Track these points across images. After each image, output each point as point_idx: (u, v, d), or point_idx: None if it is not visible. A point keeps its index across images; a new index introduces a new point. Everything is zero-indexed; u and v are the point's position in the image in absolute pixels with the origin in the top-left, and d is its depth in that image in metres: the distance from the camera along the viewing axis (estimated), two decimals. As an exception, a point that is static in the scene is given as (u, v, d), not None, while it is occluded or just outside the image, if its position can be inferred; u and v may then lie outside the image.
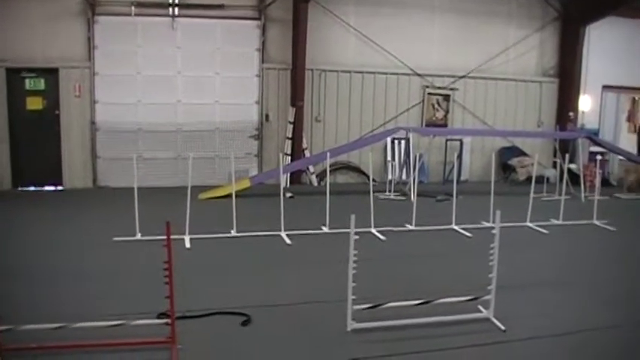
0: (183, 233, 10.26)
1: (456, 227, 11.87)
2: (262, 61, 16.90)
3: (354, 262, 6.31)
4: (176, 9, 16.04)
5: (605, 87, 20.89)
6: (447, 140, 18.32)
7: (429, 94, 18.53)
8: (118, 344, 5.78)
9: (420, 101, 18.49)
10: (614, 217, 13.44)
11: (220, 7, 16.16)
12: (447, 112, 18.81)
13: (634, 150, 21.73)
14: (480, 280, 7.01)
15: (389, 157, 17.75)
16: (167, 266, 5.54)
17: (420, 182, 15.73)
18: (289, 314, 7.06)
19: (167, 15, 16.00)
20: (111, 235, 10.33)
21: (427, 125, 18.46)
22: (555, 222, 12.97)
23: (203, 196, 13.90)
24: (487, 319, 6.92)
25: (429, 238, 11.31)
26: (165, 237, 5.58)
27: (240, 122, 16.71)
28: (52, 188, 15.72)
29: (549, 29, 19.94)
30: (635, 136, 23.79)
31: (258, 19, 16.74)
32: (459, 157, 17.71)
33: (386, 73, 17.97)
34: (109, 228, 10.85)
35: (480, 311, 7.05)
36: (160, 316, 6.18)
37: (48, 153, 15.65)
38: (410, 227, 11.79)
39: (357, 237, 6.35)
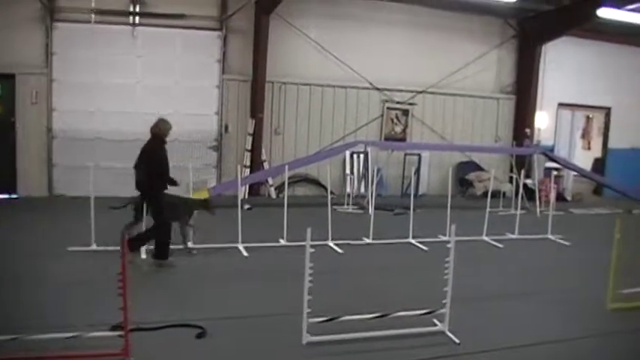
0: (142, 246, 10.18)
1: (412, 241, 11.97)
2: (223, 72, 16.89)
3: (310, 275, 6.33)
4: (137, 17, 15.97)
5: (561, 104, 21.29)
6: (405, 154, 18.45)
7: (388, 108, 18.68)
8: (70, 357, 5.72)
9: (379, 115, 18.63)
10: (568, 231, 13.70)
11: (181, 16, 16.12)
12: (405, 126, 18.97)
13: (588, 166, 22.15)
14: (436, 293, 7.07)
15: (348, 171, 17.83)
16: (121, 278, 5.51)
17: (378, 196, 15.80)
18: (244, 327, 7.05)
19: (127, 23, 15.92)
20: (65, 244, 10.20)
21: (386, 139, 18.59)
22: (511, 236, 13.17)
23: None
24: (442, 332, 6.99)
25: (386, 251, 11.38)
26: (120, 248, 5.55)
27: (199, 133, 16.64)
28: (5, 196, 15.46)
29: (507, 47, 20.28)
30: (589, 153, 24.28)
31: (220, 30, 16.73)
32: (417, 171, 17.88)
33: (346, 87, 18.08)
34: (63, 238, 10.70)
35: (435, 324, 7.12)
36: (114, 328, 6.12)
37: (2, 160, 15.41)
38: (367, 240, 11.86)
39: (312, 250, 6.37)
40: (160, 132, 9.96)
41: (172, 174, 9.93)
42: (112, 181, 15.38)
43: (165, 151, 9.94)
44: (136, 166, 9.90)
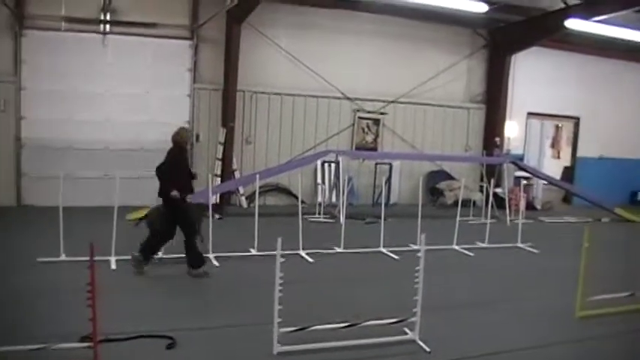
0: (110, 254, 10.10)
1: (383, 250, 12.00)
2: (194, 81, 16.83)
3: (281, 284, 6.33)
4: (107, 26, 15.86)
5: (530, 114, 21.51)
6: (376, 164, 18.51)
7: (360, 117, 18.74)
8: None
9: (350, 125, 18.68)
10: (537, 239, 13.86)
11: (152, 25, 16.05)
12: (376, 135, 19.04)
13: (558, 175, 22.38)
14: (406, 302, 7.11)
15: (319, 180, 17.83)
16: (90, 288, 5.46)
17: (349, 205, 15.84)
18: (215, 337, 7.03)
19: (98, 32, 15.80)
20: (35, 255, 10.07)
21: (357, 149, 18.63)
22: (481, 244, 13.28)
23: (131, 216, 13.69)
24: (413, 341, 7.03)
25: (357, 260, 11.40)
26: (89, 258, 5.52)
27: (170, 142, 16.46)
28: (-28, 207, 15.25)
29: (477, 57, 20.46)
30: (558, 162, 24.55)
31: (191, 39, 16.68)
32: (388, 180, 17.96)
33: (317, 97, 18.11)
34: (33, 248, 10.58)
35: (406, 333, 7.14)
36: (83, 339, 6.07)
37: (-31, 169, 15.21)
38: (338, 250, 11.87)
39: (283, 259, 6.36)
40: (180, 140, 10.23)
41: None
42: (83, 190, 15.31)
43: (187, 159, 10.37)
44: (159, 174, 9.99)
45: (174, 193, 9.52)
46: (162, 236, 9.92)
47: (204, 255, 10.10)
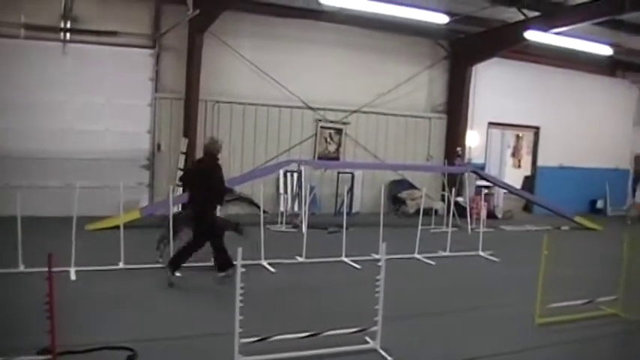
0: (69, 265, 9.98)
1: (345, 259, 12.03)
2: (155, 90, 16.68)
3: (242, 294, 6.30)
4: (68, 34, 15.67)
5: (491, 123, 21.72)
6: (338, 173, 18.53)
7: (322, 127, 18.75)
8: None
9: (312, 134, 18.69)
10: (498, 248, 14.00)
11: (114, 33, 15.90)
12: (339, 145, 19.07)
13: (518, 184, 22.63)
14: (368, 311, 7.13)
15: (281, 190, 17.80)
16: (48, 300, 5.39)
17: (312, 214, 15.85)
18: (176, 348, 6.98)
19: (58, 40, 15.59)
20: (-9, 266, 9.92)
21: (319, 158, 18.64)
22: (442, 253, 13.37)
23: (91, 226, 13.56)
24: (374, 350, 7.05)
25: (319, 270, 11.40)
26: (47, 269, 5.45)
27: (131, 151, 16.39)
28: None
29: (438, 67, 20.64)
30: (519, 171, 24.82)
31: (152, 47, 16.56)
32: (351, 189, 18.00)
33: (279, 106, 18.09)
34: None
35: (367, 342, 7.16)
36: (42, 352, 5.98)
37: None
38: (300, 259, 11.86)
39: (244, 270, 6.34)
40: (214, 151, 10.49)
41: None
42: (42, 200, 15.05)
43: (221, 168, 10.45)
44: (190, 185, 10.50)
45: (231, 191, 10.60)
46: (192, 247, 10.09)
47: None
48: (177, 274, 9.94)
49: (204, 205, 10.09)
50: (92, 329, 7.28)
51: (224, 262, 10.00)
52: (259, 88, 17.74)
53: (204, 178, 10.19)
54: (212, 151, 10.45)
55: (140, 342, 6.83)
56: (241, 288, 6.31)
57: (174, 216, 11.33)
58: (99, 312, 8.12)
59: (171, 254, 10.23)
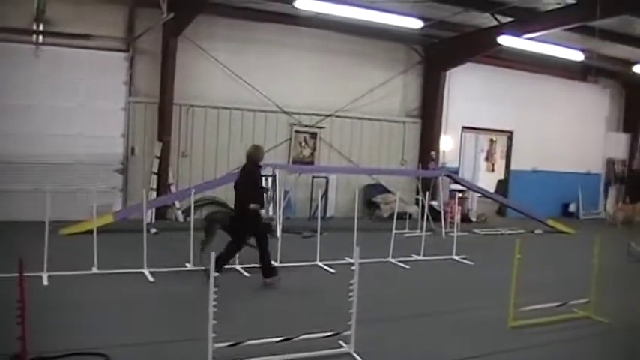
0: (42, 270, 9.88)
1: (320, 263, 12.04)
2: (129, 94, 16.57)
3: (215, 299, 6.28)
4: (40, 37, 15.51)
5: (465, 128, 21.84)
6: (313, 177, 18.52)
7: (297, 131, 18.75)
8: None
9: (287, 139, 18.69)
10: (472, 251, 14.12)
11: (87, 37, 15.79)
12: (313, 149, 19.09)
13: (492, 188, 22.79)
14: (342, 315, 7.14)
15: (256, 194, 17.74)
16: (20, 305, 5.35)
17: (286, 219, 15.83)
18: (149, 353, 6.95)
19: (31, 42, 15.42)
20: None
21: (294, 163, 18.64)
22: (417, 257, 13.44)
23: (64, 231, 13.46)
24: (348, 354, 7.06)
25: (293, 274, 11.37)
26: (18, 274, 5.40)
27: (104, 156, 16.26)
28: None
29: (413, 72, 20.73)
30: (492, 175, 25.00)
31: (126, 51, 16.46)
32: (325, 194, 18.03)
33: (254, 110, 18.06)
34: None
35: (341, 346, 7.17)
36: (13, 358, 5.92)
37: None
38: (275, 264, 11.80)
39: (217, 274, 6.33)
40: (256, 157, 10.82)
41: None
42: (14, 204, 14.89)
43: (260, 173, 10.97)
44: (238, 188, 10.75)
45: (254, 206, 10.26)
46: (233, 249, 10.52)
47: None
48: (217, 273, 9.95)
49: (246, 207, 10.33)
50: (65, 335, 7.22)
51: (269, 268, 10.48)
52: (234, 92, 17.70)
53: (246, 183, 10.61)
54: (254, 159, 10.79)
55: (113, 347, 6.78)
56: (215, 292, 6.30)
57: (209, 217, 11.94)
58: (71, 317, 8.04)
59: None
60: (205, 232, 11.21)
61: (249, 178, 10.62)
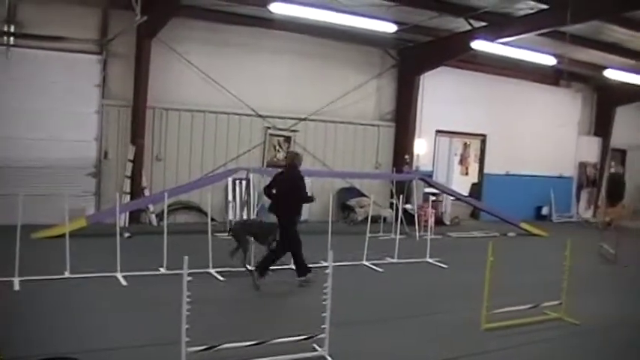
0: (13, 275, 9.77)
1: (293, 267, 12.00)
2: (102, 96, 16.43)
3: (189, 303, 6.26)
4: (11, 38, 15.31)
5: (439, 132, 21.94)
6: (287, 181, 18.45)
7: (271, 135, 18.71)
8: None
9: (261, 142, 18.64)
10: (446, 254, 14.20)
11: (59, 39, 15.63)
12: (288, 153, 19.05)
13: (466, 191, 22.91)
14: (316, 318, 7.14)
15: (230, 197, 17.71)
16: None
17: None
18: (122, 358, 6.91)
19: (2, 44, 15.21)
20: None
21: (268, 166, 18.53)
22: (391, 260, 13.49)
23: (37, 235, 13.32)
24: (322, 357, 7.07)
25: (267, 277, 11.34)
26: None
27: (77, 159, 16.10)
28: None
29: (387, 76, 20.81)
30: (466, 178, 25.13)
31: (100, 53, 16.33)
32: (300, 197, 17.98)
33: (228, 114, 17.99)
34: None
35: (315, 350, 7.17)
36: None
37: None
38: (249, 267, 11.80)
39: (190, 278, 6.30)
40: (296, 163, 11.36)
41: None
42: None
43: (303, 179, 11.41)
44: (276, 194, 11.25)
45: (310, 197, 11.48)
46: (277, 253, 11.01)
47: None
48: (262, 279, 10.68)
49: (288, 213, 11.02)
50: (37, 339, 7.16)
51: (304, 267, 11.03)
52: (208, 95, 17.63)
53: (287, 189, 11.07)
54: (293, 163, 11.32)
55: (86, 352, 6.73)
56: (188, 297, 6.27)
57: (236, 225, 12.07)
58: (44, 322, 7.97)
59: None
60: (236, 240, 11.31)
61: (293, 184, 11.06)
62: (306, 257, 11.81)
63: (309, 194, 11.61)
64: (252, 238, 11.27)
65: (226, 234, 12.04)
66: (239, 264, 10.99)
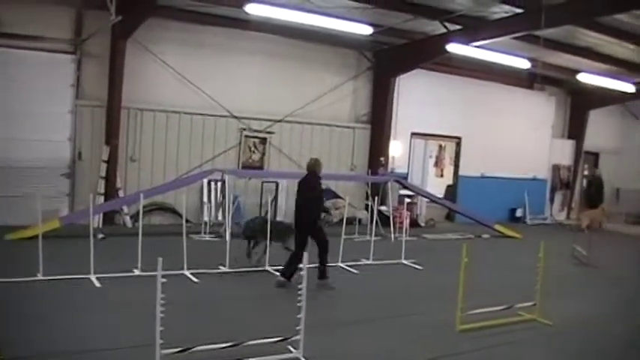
0: (-17, 277, 9.69)
1: (269, 268, 12.01)
2: (76, 97, 16.28)
3: (163, 305, 6.23)
4: (-16, 37, 15.20)
5: (414, 134, 22.02)
6: (263, 182, 18.44)
7: (246, 136, 18.67)
8: None
9: (237, 143, 18.58)
10: (421, 256, 14.26)
11: (33, 38, 15.46)
12: (263, 154, 19.03)
13: (441, 193, 23.00)
14: (291, 320, 7.14)
15: (205, 199, 17.64)
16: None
17: (235, 223, 15.74)
18: (96, 361, 6.85)
19: (-26, 43, 15.12)
20: None
21: (244, 167, 18.55)
22: (366, 262, 13.50)
23: (10, 236, 13.19)
24: (297, 359, 7.05)
25: (243, 279, 11.36)
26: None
27: (51, 160, 15.92)
28: None
29: (363, 78, 20.85)
30: (441, 180, 25.23)
31: (74, 53, 16.19)
32: (275, 199, 17.99)
33: (204, 115, 17.92)
34: None
35: (290, 352, 7.17)
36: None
37: None
38: (224, 269, 11.79)
39: (164, 280, 6.27)
40: (317, 170, 11.64)
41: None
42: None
43: (321, 186, 12.07)
44: (297, 201, 11.52)
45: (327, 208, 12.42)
46: (298, 255, 10.79)
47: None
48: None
49: (305, 218, 11.23)
50: (7, 342, 7.06)
51: (324, 273, 11.21)
52: (183, 96, 17.55)
53: (307, 194, 11.35)
54: (314, 170, 11.57)
55: (58, 355, 6.68)
56: (163, 299, 6.24)
57: (251, 226, 12.54)
58: (15, 324, 7.88)
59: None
60: (248, 241, 12.11)
61: (313, 190, 11.45)
62: (280, 259, 11.87)
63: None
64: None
65: (241, 234, 12.48)
66: (255, 263, 11.60)
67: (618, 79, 20.44)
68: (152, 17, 15.76)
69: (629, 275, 14.56)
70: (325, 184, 19.70)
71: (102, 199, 16.12)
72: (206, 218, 16.64)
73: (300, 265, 11.20)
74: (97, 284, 10.19)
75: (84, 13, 16.12)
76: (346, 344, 7.99)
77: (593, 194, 21.49)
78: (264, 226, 12.12)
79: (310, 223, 11.20)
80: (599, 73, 20.07)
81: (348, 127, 20.72)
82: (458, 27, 16.90)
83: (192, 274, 11.19)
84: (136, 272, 10.98)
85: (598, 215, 20.12)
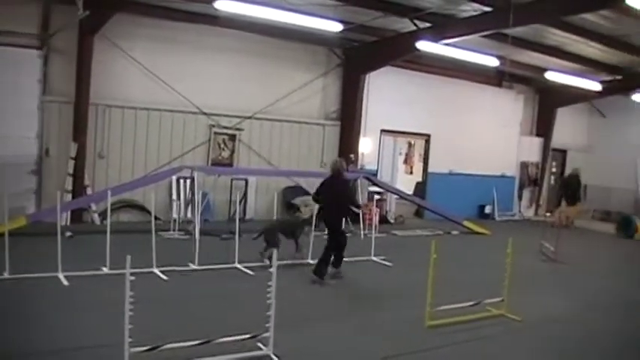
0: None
1: (239, 265, 11.99)
2: (43, 92, 16.09)
3: (132, 303, 6.19)
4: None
5: (384, 131, 22.07)
6: (232, 179, 18.39)
7: (216, 133, 18.58)
8: None
9: (206, 140, 18.49)
10: (390, 252, 14.32)
11: (-2, 33, 15.30)
12: (232, 151, 18.95)
13: (410, 190, 23.12)
14: (261, 317, 7.14)
15: (174, 196, 17.54)
16: None
17: (205, 221, 15.71)
18: (63, 360, 6.79)
19: None
20: None
21: (213, 164, 18.46)
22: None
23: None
24: (267, 356, 7.07)
25: (212, 276, 11.33)
26: None
27: (17, 156, 15.71)
28: None
29: (332, 75, 20.84)
30: (411, 177, 25.38)
31: (40, 48, 15.99)
32: (244, 196, 17.95)
33: (173, 111, 17.78)
34: None
35: (260, 349, 7.17)
36: None
37: None
38: (193, 266, 11.74)
39: (133, 278, 6.23)
40: (340, 169, 12.01)
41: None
42: None
43: (349, 185, 12.69)
44: (325, 201, 11.97)
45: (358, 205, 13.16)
46: (328, 255, 11.61)
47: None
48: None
49: (336, 217, 11.85)
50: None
51: (341, 261, 11.87)
52: (152, 92, 17.41)
53: (335, 194, 11.76)
54: (338, 169, 11.96)
55: (24, 355, 6.61)
56: (131, 297, 6.20)
57: (270, 226, 12.86)
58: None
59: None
60: (266, 240, 12.34)
61: (340, 190, 11.92)
62: (250, 256, 11.87)
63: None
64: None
65: (256, 235, 12.62)
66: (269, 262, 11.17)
67: (585, 77, 20.73)
68: (121, 13, 15.64)
69: (595, 271, 14.77)
70: (295, 181, 19.81)
71: (70, 196, 15.95)
72: (175, 215, 16.55)
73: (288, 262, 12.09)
74: (65, 282, 10.09)
75: (51, 8, 15.88)
76: (316, 341, 8.00)
77: (571, 192, 21.64)
78: (283, 229, 12.75)
79: (339, 223, 11.92)
80: (566, 72, 20.32)
81: (317, 124, 20.72)
82: (428, 25, 16.96)
83: (161, 271, 11.13)
84: (105, 270, 10.87)
85: (574, 213, 20.32)
